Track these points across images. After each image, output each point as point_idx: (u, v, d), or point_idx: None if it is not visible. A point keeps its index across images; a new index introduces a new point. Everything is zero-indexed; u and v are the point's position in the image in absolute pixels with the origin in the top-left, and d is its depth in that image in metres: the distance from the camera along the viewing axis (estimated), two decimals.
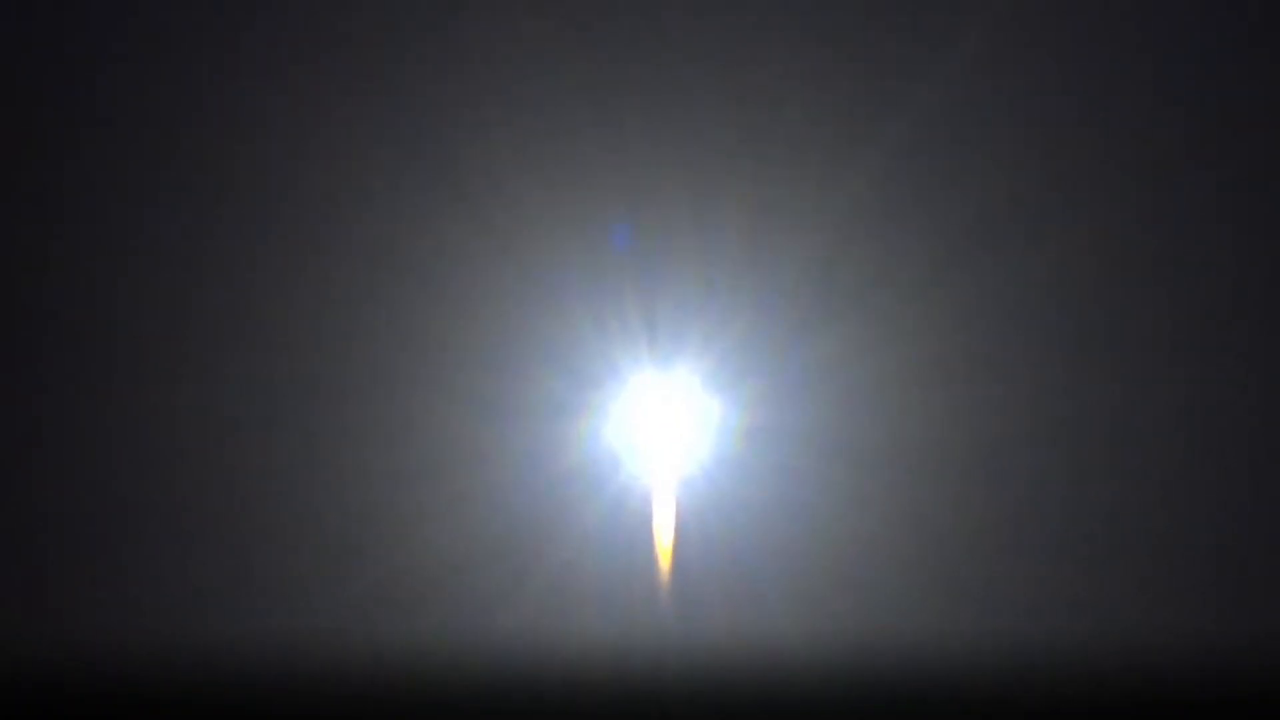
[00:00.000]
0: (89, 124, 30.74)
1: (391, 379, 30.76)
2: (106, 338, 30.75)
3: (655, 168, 30.75)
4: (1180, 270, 30.73)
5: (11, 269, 30.59)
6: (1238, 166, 30.55)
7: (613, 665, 26.32)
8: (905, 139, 30.56)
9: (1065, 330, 30.70)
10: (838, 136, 30.65)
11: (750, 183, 30.73)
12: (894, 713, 21.24)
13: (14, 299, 30.61)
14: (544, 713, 21.13)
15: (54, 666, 26.55)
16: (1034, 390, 30.56)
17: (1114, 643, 28.98)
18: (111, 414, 30.62)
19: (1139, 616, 29.86)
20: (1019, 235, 30.66)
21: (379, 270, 30.86)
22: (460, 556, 30.29)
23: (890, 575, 30.31)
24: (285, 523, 30.54)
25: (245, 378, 30.76)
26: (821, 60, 30.61)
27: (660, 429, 30.98)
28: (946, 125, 30.61)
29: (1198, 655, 27.56)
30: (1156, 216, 30.77)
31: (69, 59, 30.50)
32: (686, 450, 30.94)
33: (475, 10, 30.42)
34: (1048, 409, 30.56)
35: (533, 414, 30.66)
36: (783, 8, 30.52)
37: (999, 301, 30.66)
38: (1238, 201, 30.71)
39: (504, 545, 30.39)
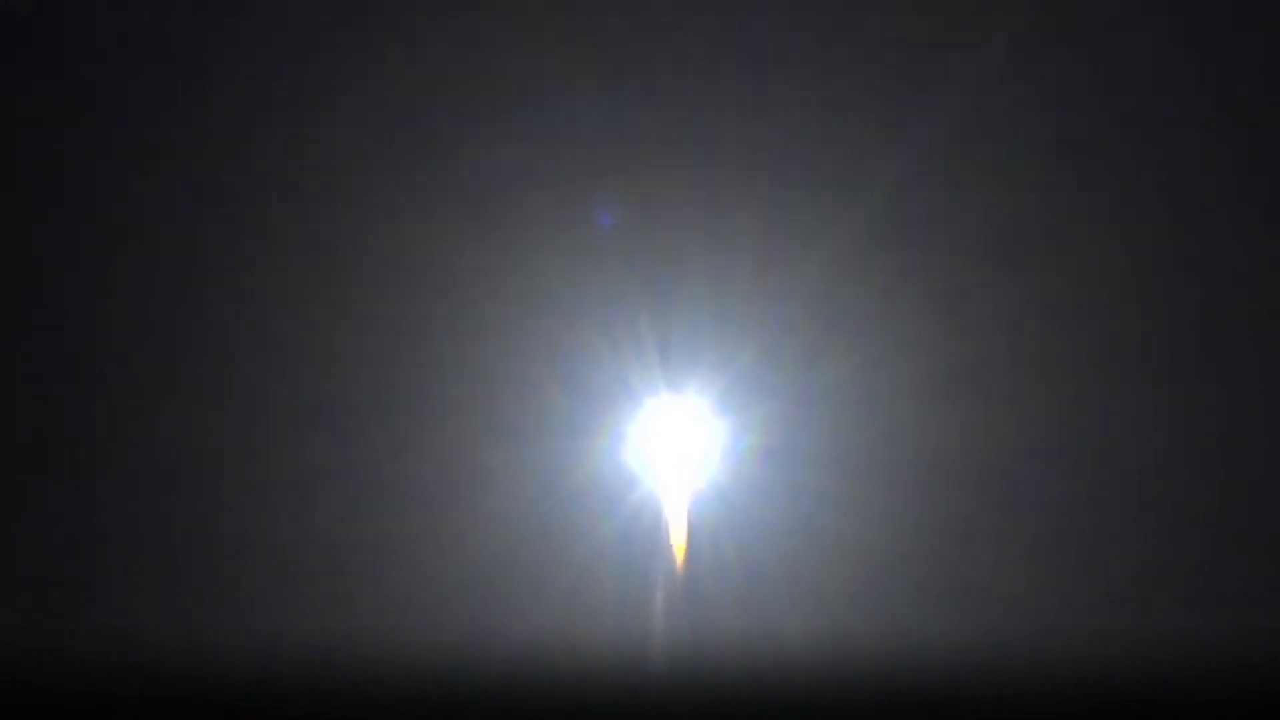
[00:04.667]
0: (88, 125, 30.82)
1: (405, 397, 30.80)
2: (118, 350, 30.76)
3: (670, 184, 30.79)
4: (1200, 287, 30.72)
5: (13, 270, 30.65)
6: (1271, 184, 30.54)
7: (626, 682, 26.24)
8: (921, 156, 30.58)
9: (1083, 346, 30.67)
10: (855, 153, 30.66)
11: (765, 200, 30.75)
12: None
13: (15, 300, 30.65)
14: None
15: (63, 667, 26.63)
16: (1051, 406, 30.52)
17: (1121, 649, 28.90)
18: (129, 429, 30.68)
19: (1144, 623, 29.86)
20: (1037, 251, 30.66)
21: (392, 289, 30.91)
22: (474, 573, 30.29)
23: (906, 591, 30.27)
24: (300, 537, 30.58)
25: (260, 396, 30.80)
26: (834, 77, 30.65)
27: (674, 448, 30.94)
28: (963, 141, 30.62)
29: (1202, 658, 27.51)
30: (1182, 233, 30.74)
31: (66, 58, 30.57)
32: (700, 469, 30.89)
33: (487, 17, 30.52)
34: (1064, 424, 30.52)
35: (547, 433, 30.68)
36: (792, 13, 30.57)
37: (1015, 318, 30.65)
38: (1267, 220, 30.70)
39: (517, 562, 30.38)
